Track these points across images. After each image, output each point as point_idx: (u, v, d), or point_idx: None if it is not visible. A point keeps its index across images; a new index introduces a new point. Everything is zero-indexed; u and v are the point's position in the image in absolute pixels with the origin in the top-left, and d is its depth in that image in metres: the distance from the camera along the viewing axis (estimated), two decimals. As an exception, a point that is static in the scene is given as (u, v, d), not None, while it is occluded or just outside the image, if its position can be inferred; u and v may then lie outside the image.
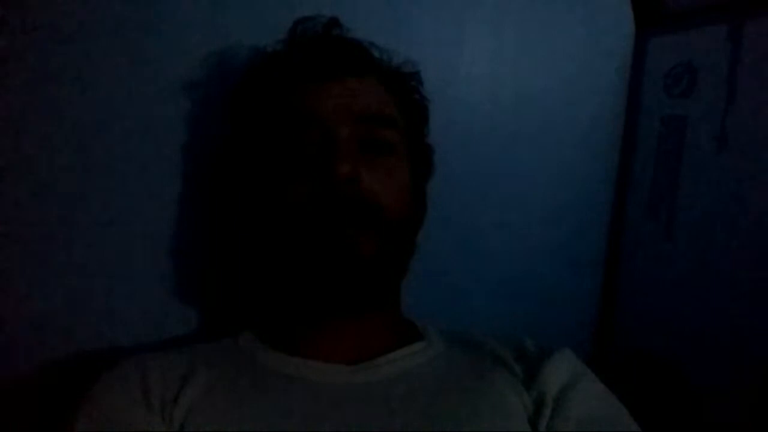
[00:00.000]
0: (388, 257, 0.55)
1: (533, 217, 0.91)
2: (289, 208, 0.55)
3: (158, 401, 0.51)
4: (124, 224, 0.62)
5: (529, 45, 0.88)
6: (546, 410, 0.54)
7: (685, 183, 0.90)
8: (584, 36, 0.93)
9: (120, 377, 0.53)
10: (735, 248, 0.83)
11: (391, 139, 0.58)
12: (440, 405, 0.54)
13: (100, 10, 0.59)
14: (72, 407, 0.50)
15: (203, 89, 0.65)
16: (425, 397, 0.54)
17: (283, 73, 0.59)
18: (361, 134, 0.56)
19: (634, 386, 0.87)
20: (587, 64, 0.93)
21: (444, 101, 0.69)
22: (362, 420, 0.51)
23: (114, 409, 0.50)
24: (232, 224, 0.65)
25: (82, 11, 0.59)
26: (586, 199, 0.96)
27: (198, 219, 0.67)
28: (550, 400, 0.55)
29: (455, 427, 0.52)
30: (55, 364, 0.60)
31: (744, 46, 0.84)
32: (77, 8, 0.58)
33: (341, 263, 0.53)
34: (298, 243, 0.54)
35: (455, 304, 0.83)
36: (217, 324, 0.67)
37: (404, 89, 0.63)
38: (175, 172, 0.65)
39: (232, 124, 0.63)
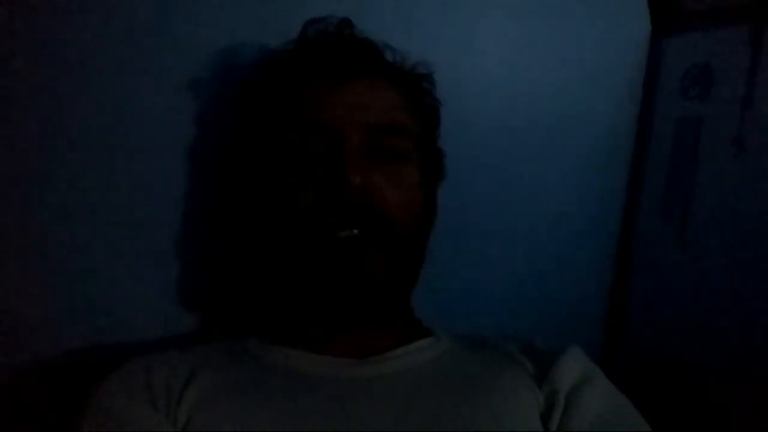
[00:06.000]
0: (398, 274, 0.55)
1: (545, 217, 0.90)
2: (296, 216, 0.54)
3: (163, 401, 0.51)
4: (128, 225, 0.62)
5: (542, 44, 0.87)
6: (557, 408, 0.54)
7: (700, 186, 0.89)
8: (599, 35, 0.92)
9: (125, 377, 0.52)
10: (749, 252, 0.82)
11: (402, 146, 0.57)
12: (449, 399, 0.54)
13: (107, 8, 0.59)
14: (77, 408, 0.50)
15: (210, 90, 0.64)
16: (434, 392, 0.54)
17: (292, 74, 0.58)
18: (373, 142, 0.55)
19: (644, 388, 0.86)
20: (602, 65, 0.92)
21: (455, 101, 0.68)
22: (369, 414, 0.51)
23: (120, 409, 0.50)
24: (238, 227, 0.65)
25: (88, 8, 0.58)
26: (598, 201, 0.95)
27: (203, 220, 0.66)
28: (562, 398, 0.55)
29: (464, 420, 0.52)
30: (58, 364, 0.59)
31: (764, 48, 0.83)
32: (83, 5, 0.58)
33: (351, 281, 0.53)
34: (304, 255, 0.54)
35: (464, 306, 0.82)
36: (221, 325, 0.67)
37: (417, 92, 0.62)
38: (180, 174, 0.64)
39: (239, 126, 0.62)
